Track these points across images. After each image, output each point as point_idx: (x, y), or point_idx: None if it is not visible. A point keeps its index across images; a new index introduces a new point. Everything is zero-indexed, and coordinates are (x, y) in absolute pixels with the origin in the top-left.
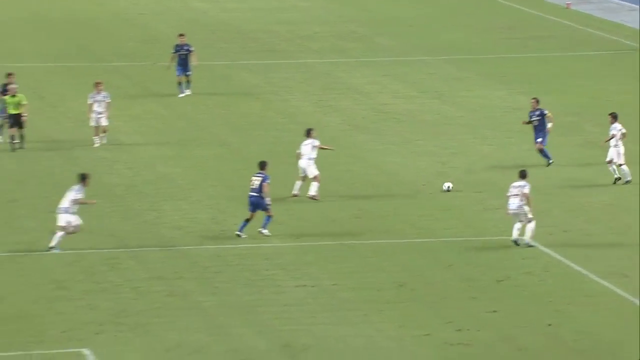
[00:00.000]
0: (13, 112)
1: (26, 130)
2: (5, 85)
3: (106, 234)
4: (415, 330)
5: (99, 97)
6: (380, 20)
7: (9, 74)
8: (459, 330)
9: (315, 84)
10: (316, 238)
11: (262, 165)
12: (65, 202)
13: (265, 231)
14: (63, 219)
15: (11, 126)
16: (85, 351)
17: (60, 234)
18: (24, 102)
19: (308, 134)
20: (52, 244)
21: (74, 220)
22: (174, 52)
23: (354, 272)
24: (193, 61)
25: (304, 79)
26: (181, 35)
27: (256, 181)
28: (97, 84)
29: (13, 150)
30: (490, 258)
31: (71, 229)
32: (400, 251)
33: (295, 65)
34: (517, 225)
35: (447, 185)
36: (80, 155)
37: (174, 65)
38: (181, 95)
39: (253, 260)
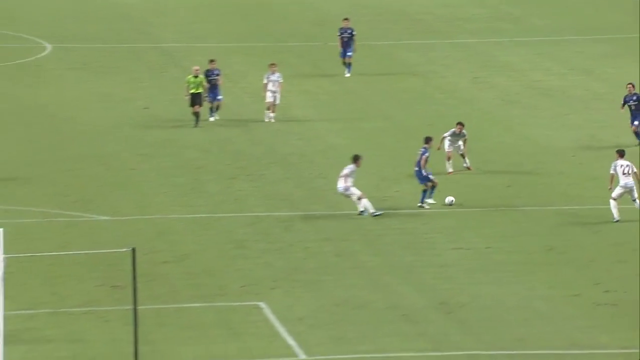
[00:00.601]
0: (195, 91)
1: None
2: (208, 70)
3: (281, 198)
4: (564, 290)
5: (273, 77)
6: (535, 2)
7: (211, 60)
8: (607, 291)
9: (472, 62)
10: (471, 204)
11: (426, 140)
12: (341, 182)
13: (427, 203)
14: (349, 192)
15: (193, 104)
16: (262, 304)
17: (363, 200)
18: (205, 83)
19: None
20: (361, 209)
21: (354, 192)
22: (339, 35)
23: (507, 236)
24: (354, 44)
25: (462, 58)
26: (345, 19)
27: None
28: (271, 65)
29: (196, 126)
30: (637, 225)
31: (354, 196)
32: (550, 217)
33: (453, 45)
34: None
35: (450, 199)
36: (256, 127)
37: (338, 46)
38: (347, 75)
39: (413, 225)
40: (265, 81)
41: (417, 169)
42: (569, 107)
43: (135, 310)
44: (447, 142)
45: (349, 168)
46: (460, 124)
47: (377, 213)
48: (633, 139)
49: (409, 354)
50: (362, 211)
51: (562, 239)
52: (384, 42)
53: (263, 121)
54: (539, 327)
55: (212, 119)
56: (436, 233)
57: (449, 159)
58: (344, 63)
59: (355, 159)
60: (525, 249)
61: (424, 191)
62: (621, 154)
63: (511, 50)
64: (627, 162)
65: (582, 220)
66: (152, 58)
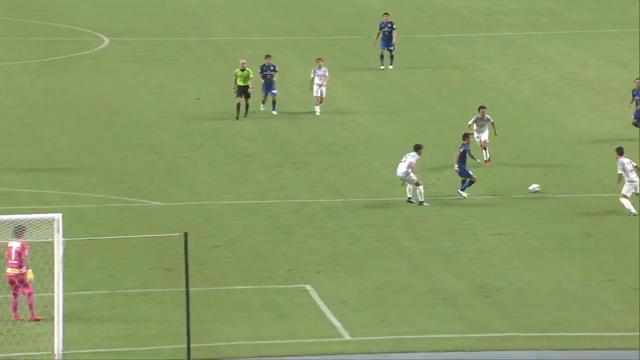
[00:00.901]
0: (242, 84)
1: (252, 100)
2: (264, 65)
3: (325, 185)
4: (600, 275)
5: (319, 72)
6: None
7: (267, 56)
8: None
9: (511, 54)
10: (509, 192)
11: (464, 137)
12: (402, 167)
13: (463, 193)
14: (409, 177)
15: (239, 96)
16: (308, 287)
17: (420, 187)
18: (251, 76)
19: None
20: (410, 195)
21: (413, 178)
22: (379, 29)
23: (544, 223)
24: (395, 38)
25: (500, 50)
26: (385, 14)
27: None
28: (318, 60)
29: (237, 118)
30: None
31: (412, 182)
32: (586, 205)
33: (492, 38)
34: None
35: (534, 187)
36: (303, 118)
37: (378, 40)
38: (382, 67)
39: (452, 211)
40: (312, 75)
41: (457, 164)
42: (604, 99)
43: (187, 292)
44: (474, 131)
45: (413, 156)
46: (482, 107)
47: (425, 203)
48: None
49: (448, 336)
50: (410, 198)
51: (597, 226)
52: (424, 35)
53: (309, 112)
54: (574, 310)
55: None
56: (475, 220)
57: (483, 148)
58: (382, 56)
59: (417, 148)
60: (561, 235)
61: (463, 181)
62: (621, 151)
63: (549, 43)
64: (628, 159)
65: (618, 209)
66: (202, 51)
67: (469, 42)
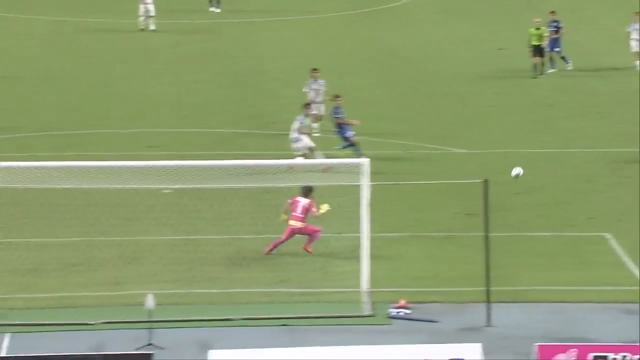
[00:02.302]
0: (536, 43)
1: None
2: (551, 21)
3: (630, 136)
4: None
5: (636, 26)
6: None
7: (552, 12)
8: None
9: None
10: None
11: None
12: None
13: None
14: None
15: (534, 55)
16: (607, 235)
17: None
18: (545, 34)
19: None
20: None
21: None
22: None
23: None
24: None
25: None
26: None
27: None
28: (635, 14)
29: (534, 77)
30: None
31: None
32: None
33: None
34: None
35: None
36: (609, 69)
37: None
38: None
39: None
40: (628, 29)
41: None
42: None
43: (486, 237)
44: None
45: None
46: None
47: None
48: None
49: None
50: None
51: None
52: None
53: (621, 68)
54: None
55: (550, 70)
56: None
57: None
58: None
59: None
60: None
61: None
62: None
63: None
64: None
65: None
66: (509, 1)
67: None
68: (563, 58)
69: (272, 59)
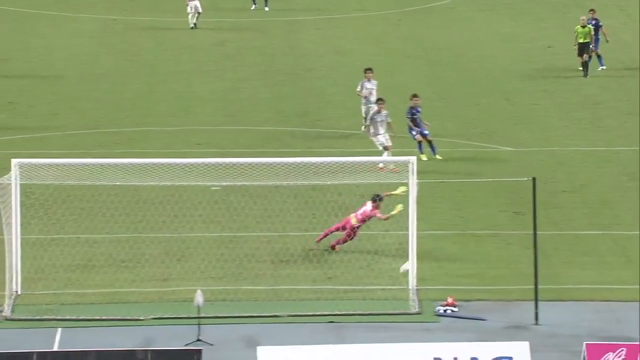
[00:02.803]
0: (582, 41)
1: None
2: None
3: None
4: None
5: None
6: None
7: (591, 10)
8: None
9: None
10: None
11: None
12: None
13: None
14: None
15: (580, 54)
16: None
17: None
18: (591, 33)
19: None
20: None
21: None
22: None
23: None
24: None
25: None
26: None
27: None
28: None
29: (585, 76)
30: None
31: None
32: None
33: None
34: None
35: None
36: None
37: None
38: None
39: None
40: None
41: None
42: None
43: (535, 235)
44: None
45: None
46: None
47: None
48: None
49: None
50: None
51: None
52: None
53: None
54: None
55: (601, 69)
56: None
57: None
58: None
59: None
60: None
61: None
62: None
63: None
64: None
65: None
66: None
67: None
68: (598, 57)
69: (318, 57)
